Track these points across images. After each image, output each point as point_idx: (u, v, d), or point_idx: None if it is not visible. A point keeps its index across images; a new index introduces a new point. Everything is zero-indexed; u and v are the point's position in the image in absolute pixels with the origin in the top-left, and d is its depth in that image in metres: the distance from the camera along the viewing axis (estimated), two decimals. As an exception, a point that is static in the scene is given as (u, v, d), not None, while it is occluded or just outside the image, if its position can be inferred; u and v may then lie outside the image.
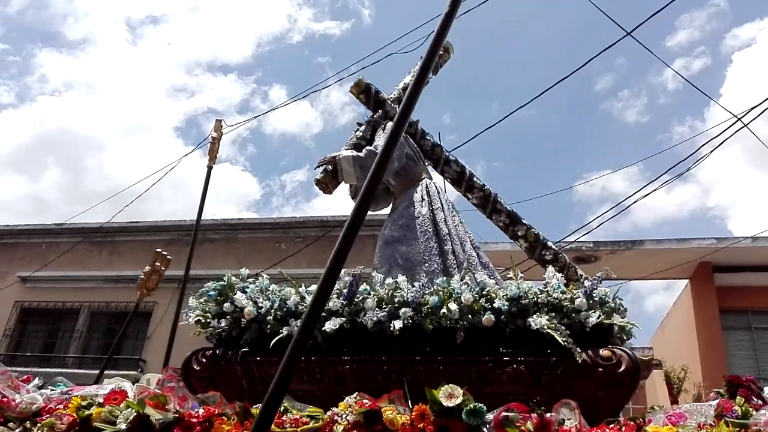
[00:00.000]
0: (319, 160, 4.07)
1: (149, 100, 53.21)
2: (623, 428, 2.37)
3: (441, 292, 3.16)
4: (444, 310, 3.07)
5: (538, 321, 2.96)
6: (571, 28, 44.26)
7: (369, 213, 4.97)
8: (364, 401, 2.50)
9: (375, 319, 3.11)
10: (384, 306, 3.19)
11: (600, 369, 2.89)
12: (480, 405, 2.36)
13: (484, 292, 3.17)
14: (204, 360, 3.38)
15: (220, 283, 3.58)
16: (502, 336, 3.07)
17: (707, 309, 13.61)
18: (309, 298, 3.33)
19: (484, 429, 2.36)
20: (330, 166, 4.03)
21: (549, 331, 2.91)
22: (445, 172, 4.60)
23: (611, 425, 2.42)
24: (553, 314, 3.03)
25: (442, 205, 4.07)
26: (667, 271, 13.99)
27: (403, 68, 4.88)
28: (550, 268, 3.44)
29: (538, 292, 3.13)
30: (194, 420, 2.54)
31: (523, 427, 2.32)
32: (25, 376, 3.65)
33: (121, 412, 2.66)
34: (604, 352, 2.92)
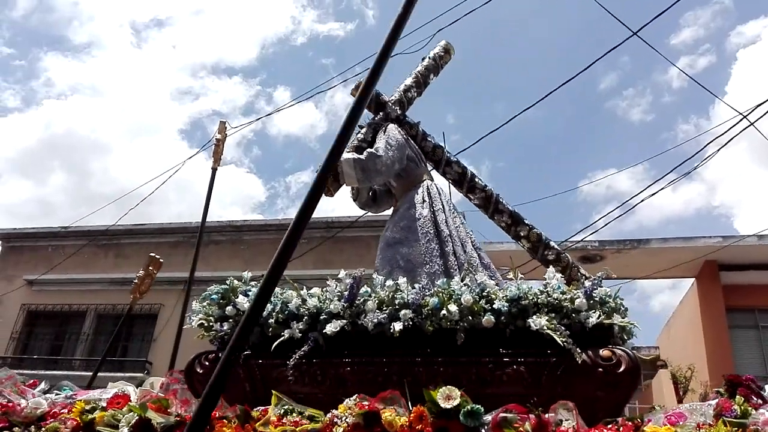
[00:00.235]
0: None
1: (154, 103, 53.42)
2: (621, 428, 2.37)
3: (441, 294, 3.17)
4: (444, 311, 3.08)
5: (538, 321, 2.96)
6: (574, 26, 44.26)
7: (372, 215, 5.01)
8: (364, 403, 2.51)
9: (375, 321, 3.12)
10: (385, 308, 3.20)
11: (600, 369, 2.88)
12: (477, 406, 2.38)
13: (484, 293, 3.17)
14: (207, 363, 3.39)
15: (223, 286, 3.60)
16: (502, 337, 3.07)
17: (713, 307, 13.57)
18: (310, 301, 3.35)
19: (483, 430, 2.37)
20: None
21: (549, 331, 2.91)
22: (447, 173, 4.61)
23: (609, 425, 2.42)
24: (553, 315, 3.03)
25: (443, 207, 4.08)
26: (672, 270, 13.98)
27: (407, 69, 4.88)
28: (551, 269, 3.44)
29: (538, 293, 3.14)
30: (195, 423, 2.55)
31: (521, 428, 2.33)
32: (31, 381, 3.67)
33: (123, 416, 2.68)
34: (604, 353, 2.92)
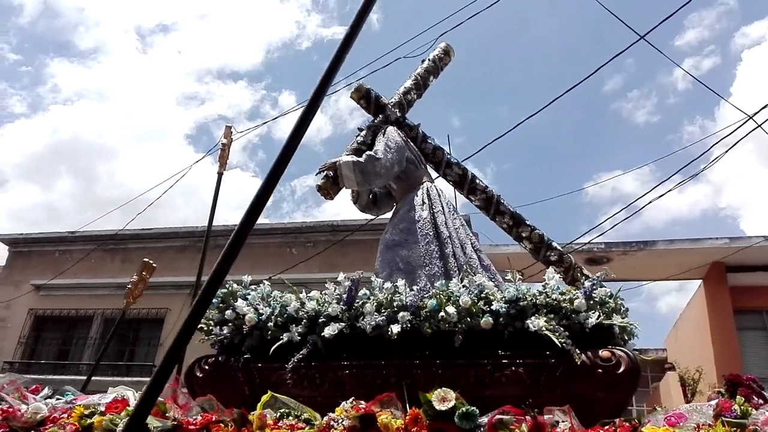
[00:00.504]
0: (320, 167, 4.08)
1: (160, 107, 53.65)
2: (618, 430, 2.36)
3: (440, 296, 3.16)
4: (442, 313, 3.07)
5: (537, 323, 2.95)
6: (578, 28, 44.18)
7: (373, 217, 5.00)
8: (361, 406, 2.50)
9: (373, 323, 3.12)
10: (383, 310, 3.20)
11: (599, 370, 2.87)
12: (473, 408, 2.36)
13: (482, 295, 3.16)
14: (206, 367, 3.40)
15: (222, 290, 3.60)
16: (500, 338, 3.06)
17: (721, 309, 13.49)
18: (309, 304, 3.35)
19: (479, 432, 2.36)
20: (331, 172, 4.03)
21: (547, 332, 2.90)
22: (447, 175, 4.60)
23: (606, 426, 2.40)
24: (552, 315, 3.02)
25: (442, 208, 4.07)
26: (680, 273, 13.90)
27: (409, 72, 4.86)
28: (550, 269, 3.43)
29: (537, 294, 3.12)
30: (192, 427, 2.55)
31: (517, 430, 2.32)
32: (34, 386, 3.68)
33: (121, 420, 2.68)
34: (604, 353, 2.90)
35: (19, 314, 16.15)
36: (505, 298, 3.11)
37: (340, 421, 2.50)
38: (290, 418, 2.56)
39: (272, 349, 3.20)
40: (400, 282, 3.34)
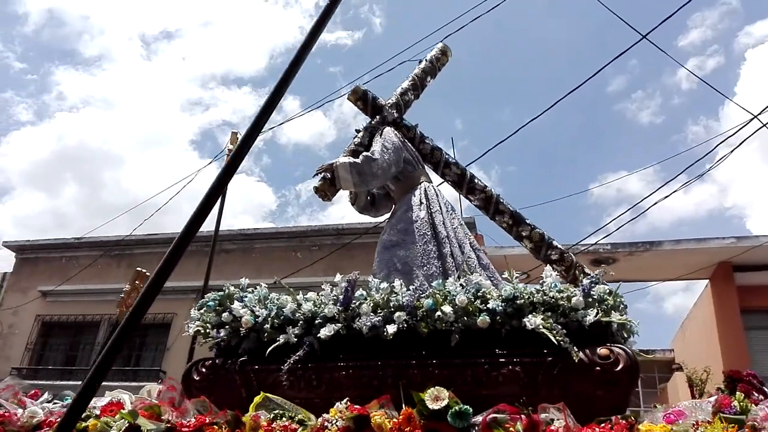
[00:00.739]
0: (317, 168, 4.06)
1: (165, 114, 53.78)
2: (614, 427, 2.33)
3: (436, 295, 3.14)
4: (439, 312, 3.05)
5: (534, 321, 2.92)
6: (581, 29, 44.11)
7: (379, 221, 4.98)
8: (355, 406, 2.49)
9: (370, 324, 3.10)
10: (379, 311, 3.18)
11: (597, 368, 2.84)
12: (466, 407, 2.34)
13: (479, 294, 3.14)
14: (204, 370, 3.39)
15: (219, 293, 3.60)
16: (497, 337, 3.04)
17: (728, 309, 13.36)
18: (305, 305, 3.33)
19: (473, 431, 2.34)
20: (328, 174, 4.02)
21: (544, 330, 2.87)
22: (446, 175, 4.57)
23: (602, 424, 2.37)
24: (550, 314, 2.99)
25: (440, 208, 4.05)
26: (686, 273, 13.81)
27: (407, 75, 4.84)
28: (548, 267, 3.41)
29: (534, 292, 3.10)
30: (185, 429, 2.54)
31: (512, 429, 2.29)
32: (33, 391, 3.68)
33: (115, 423, 2.67)
34: (602, 351, 2.88)
35: (26, 320, 16.17)
36: (502, 296, 3.08)
37: (334, 421, 2.48)
38: (284, 419, 2.54)
39: (268, 351, 3.19)
40: (397, 282, 3.32)
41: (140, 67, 51.38)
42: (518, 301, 3.05)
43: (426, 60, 4.91)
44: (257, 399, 2.64)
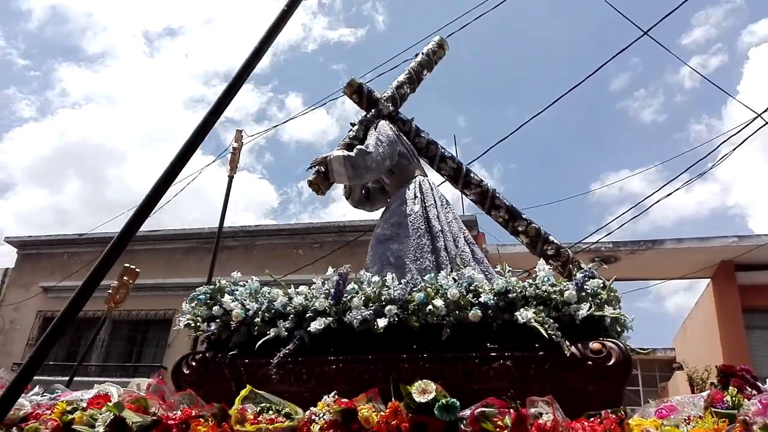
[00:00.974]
0: (311, 162, 4.03)
1: (168, 111, 53.79)
2: (603, 422, 2.29)
3: (428, 289, 3.11)
4: (430, 306, 3.02)
5: (525, 314, 2.89)
6: (583, 27, 44.01)
7: (367, 214, 4.95)
8: (343, 399, 2.46)
9: (360, 317, 3.07)
10: (371, 304, 3.15)
11: (589, 362, 2.81)
12: (453, 400, 2.31)
13: (471, 287, 3.11)
14: (194, 363, 3.37)
15: (210, 286, 3.57)
16: (489, 331, 3.01)
17: (730, 308, 13.31)
18: (296, 299, 3.31)
19: (461, 425, 2.31)
20: (322, 167, 3.99)
21: (536, 324, 2.84)
22: (442, 169, 4.54)
23: (591, 419, 2.34)
24: (542, 307, 2.96)
25: (435, 202, 4.02)
26: (688, 272, 13.75)
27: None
28: (541, 261, 3.37)
29: (527, 286, 3.06)
30: (171, 422, 2.51)
31: (500, 422, 2.26)
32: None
33: (100, 416, 2.64)
34: (594, 345, 2.84)
35: (27, 316, 16.19)
36: (494, 290, 3.05)
37: (321, 415, 2.45)
38: (270, 412, 2.50)
39: (258, 345, 3.16)
40: (389, 276, 3.29)
41: (143, 63, 51.46)
42: (510, 295, 3.02)
43: (422, 53, 4.88)
44: (243, 393, 2.61)
